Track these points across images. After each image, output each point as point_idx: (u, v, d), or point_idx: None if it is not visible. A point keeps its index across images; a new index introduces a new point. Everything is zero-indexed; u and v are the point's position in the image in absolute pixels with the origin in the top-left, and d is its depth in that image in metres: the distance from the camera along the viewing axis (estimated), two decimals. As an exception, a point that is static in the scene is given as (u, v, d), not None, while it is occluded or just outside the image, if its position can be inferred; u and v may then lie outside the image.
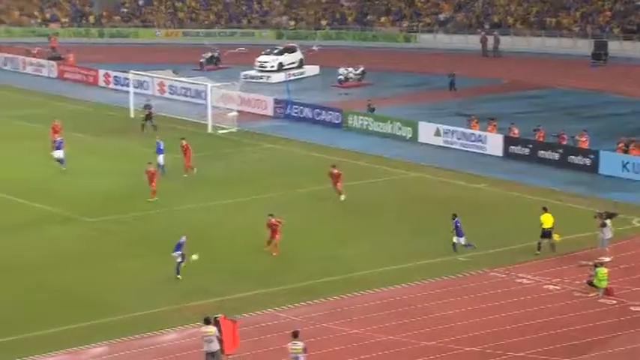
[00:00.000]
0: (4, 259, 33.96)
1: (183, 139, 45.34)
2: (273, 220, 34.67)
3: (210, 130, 54.75)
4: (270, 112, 59.40)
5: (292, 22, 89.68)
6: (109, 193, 41.71)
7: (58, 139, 46.00)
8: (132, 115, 57.18)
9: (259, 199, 41.52)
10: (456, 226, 34.78)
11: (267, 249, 34.72)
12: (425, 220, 38.82)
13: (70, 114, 59.05)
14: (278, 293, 31.56)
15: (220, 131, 54.44)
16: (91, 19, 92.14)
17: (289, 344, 25.22)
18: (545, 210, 35.15)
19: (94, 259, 34.69)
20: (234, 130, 54.57)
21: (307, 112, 57.90)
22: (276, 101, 59.72)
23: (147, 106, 54.23)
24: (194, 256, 32.61)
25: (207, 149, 50.67)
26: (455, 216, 34.93)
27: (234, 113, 55.98)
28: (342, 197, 40.71)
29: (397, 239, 36.73)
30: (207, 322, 26.03)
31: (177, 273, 32.28)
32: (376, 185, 44.57)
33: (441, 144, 51.49)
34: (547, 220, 34.82)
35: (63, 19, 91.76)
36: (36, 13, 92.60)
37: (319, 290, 31.81)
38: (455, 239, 34.80)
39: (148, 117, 53.63)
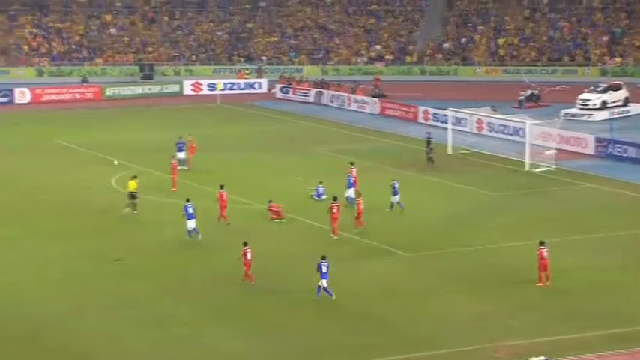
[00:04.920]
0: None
1: (351, 163, 46.53)
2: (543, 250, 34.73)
3: (527, 167, 54.11)
4: (590, 150, 57.76)
5: (618, 59, 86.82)
6: (427, 227, 42.07)
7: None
8: (449, 152, 57.69)
9: (581, 239, 40.41)
10: (320, 268, 33.38)
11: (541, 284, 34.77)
12: None
13: (388, 149, 60.57)
14: (594, 338, 30.43)
15: (537, 169, 53.66)
16: (414, 56, 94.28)
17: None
18: None
19: (409, 293, 35.13)
20: (551, 168, 53.60)
21: (631, 152, 55.79)
22: (598, 140, 58.00)
23: (428, 142, 54.94)
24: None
25: (525, 187, 50.16)
26: (323, 258, 33.58)
27: (553, 151, 55.05)
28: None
29: None
30: None
31: None
32: None
33: None
34: None
35: (387, 57, 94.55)
36: (362, 51, 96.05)
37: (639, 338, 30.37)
38: (322, 282, 33.51)
39: (430, 150, 54.28)
